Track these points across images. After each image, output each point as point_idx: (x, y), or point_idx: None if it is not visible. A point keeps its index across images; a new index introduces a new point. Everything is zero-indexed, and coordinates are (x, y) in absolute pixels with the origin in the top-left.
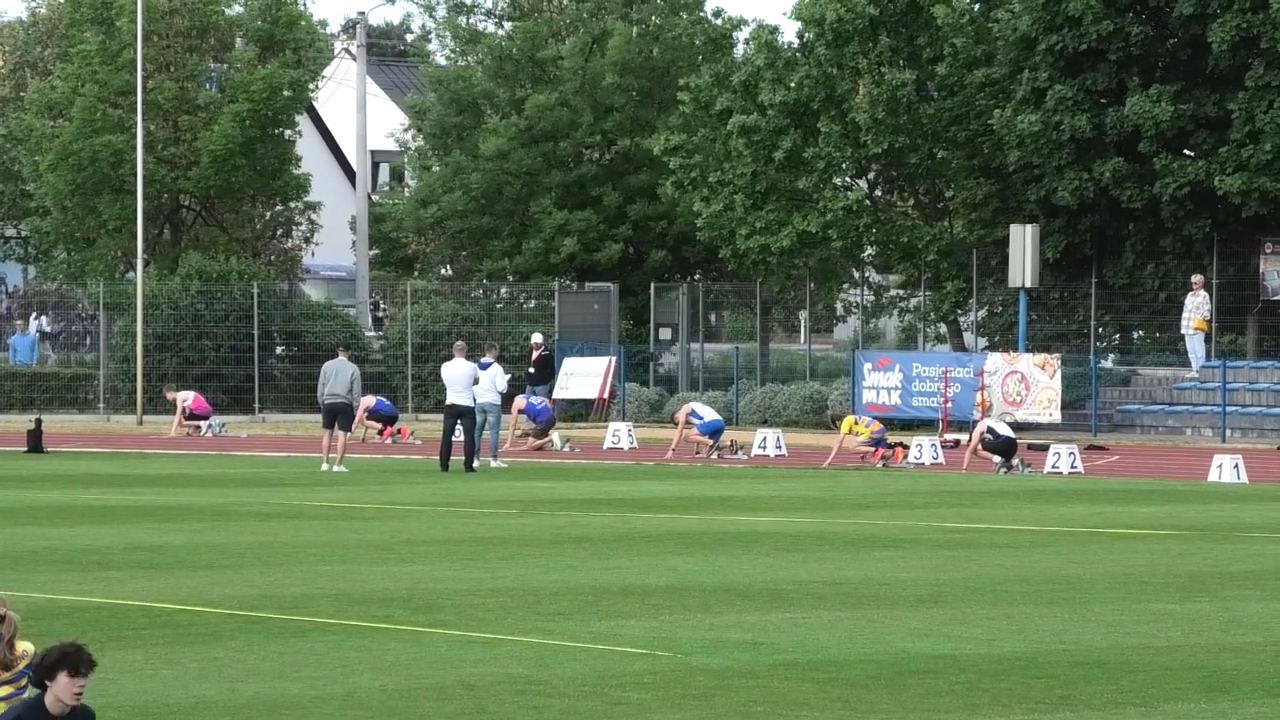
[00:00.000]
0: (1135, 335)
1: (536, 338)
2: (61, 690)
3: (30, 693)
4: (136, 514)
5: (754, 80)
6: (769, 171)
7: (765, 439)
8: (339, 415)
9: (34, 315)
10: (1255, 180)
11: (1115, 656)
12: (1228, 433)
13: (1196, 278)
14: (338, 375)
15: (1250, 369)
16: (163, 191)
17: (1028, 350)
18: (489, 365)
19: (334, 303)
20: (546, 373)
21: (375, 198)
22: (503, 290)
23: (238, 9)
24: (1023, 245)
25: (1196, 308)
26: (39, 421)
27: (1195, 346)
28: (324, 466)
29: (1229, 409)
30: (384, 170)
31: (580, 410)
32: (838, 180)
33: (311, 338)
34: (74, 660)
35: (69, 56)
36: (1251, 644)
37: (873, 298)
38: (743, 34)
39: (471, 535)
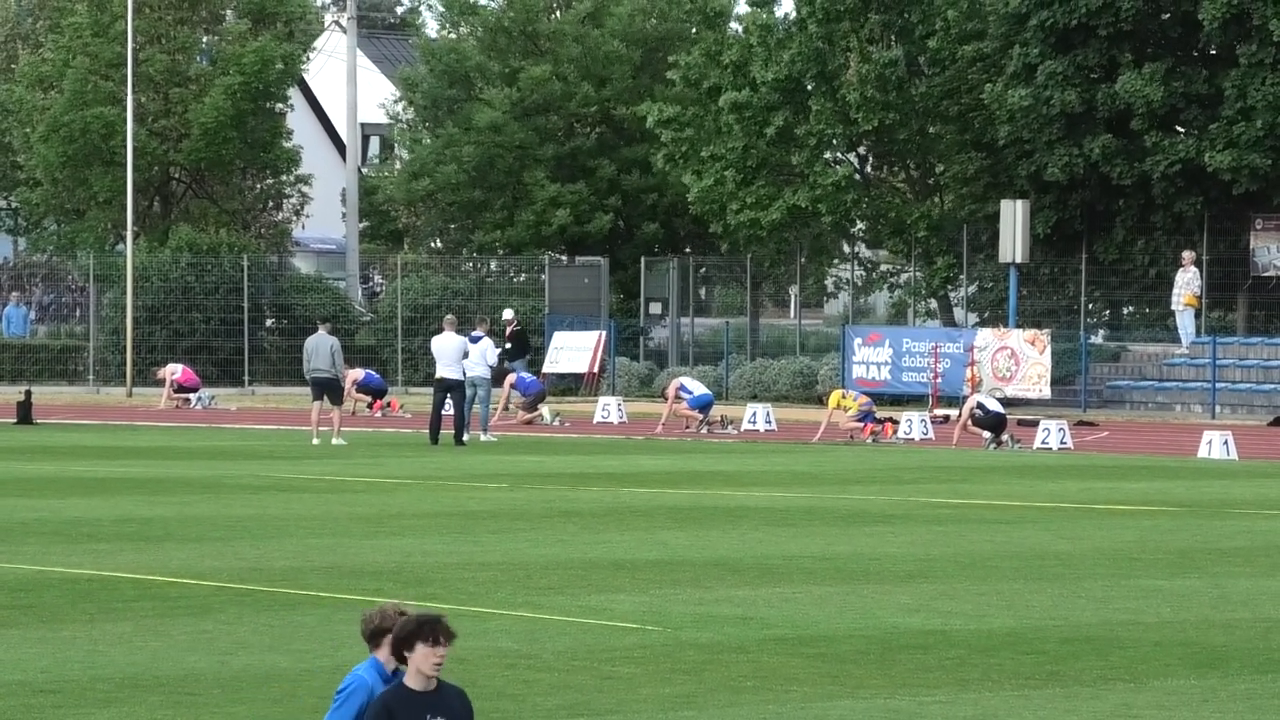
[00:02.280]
0: (1125, 311)
1: (508, 314)
2: (420, 661)
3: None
4: (126, 486)
5: (746, 58)
6: (760, 146)
7: (755, 414)
8: (327, 390)
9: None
10: (1246, 157)
11: (1105, 633)
12: (1217, 409)
13: (1187, 254)
14: (318, 351)
15: (1240, 345)
16: (153, 164)
17: (1018, 326)
18: (479, 339)
19: (324, 276)
20: (522, 347)
21: (366, 171)
22: (493, 264)
23: None
24: (1013, 221)
25: (1187, 284)
26: (29, 393)
27: (1185, 323)
28: (314, 441)
29: (1219, 385)
30: (374, 143)
31: (570, 384)
32: (828, 156)
33: (301, 311)
34: (431, 630)
35: (60, 29)
36: (1241, 620)
37: (863, 273)
38: (739, 7)
39: (461, 509)
